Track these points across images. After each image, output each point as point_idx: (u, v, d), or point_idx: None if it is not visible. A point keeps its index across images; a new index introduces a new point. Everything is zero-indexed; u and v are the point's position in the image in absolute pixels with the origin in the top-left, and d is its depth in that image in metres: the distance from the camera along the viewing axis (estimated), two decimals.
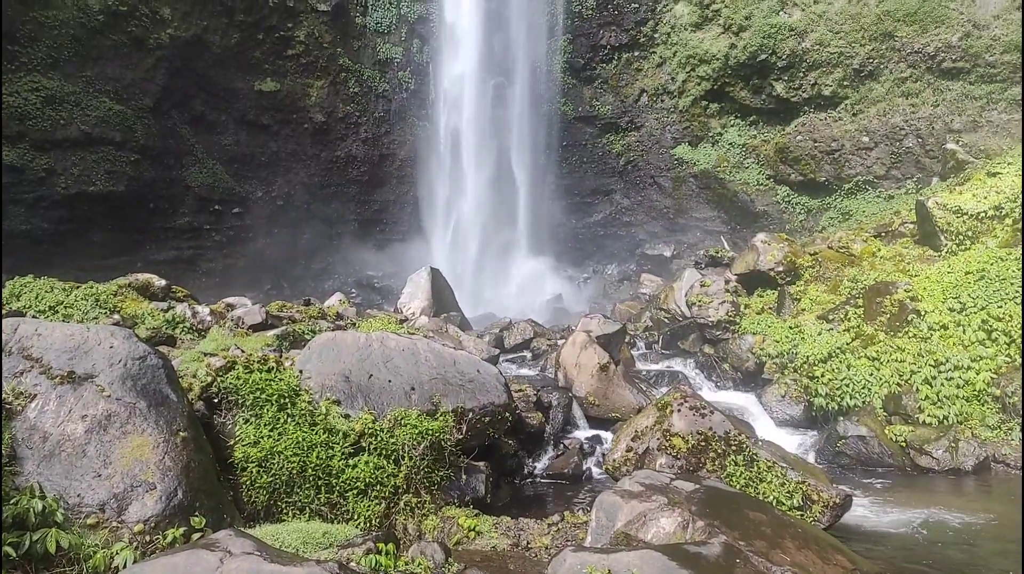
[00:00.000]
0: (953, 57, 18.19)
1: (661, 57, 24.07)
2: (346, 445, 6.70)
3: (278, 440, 6.48)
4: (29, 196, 18.03)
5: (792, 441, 10.34)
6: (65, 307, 10.31)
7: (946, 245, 12.62)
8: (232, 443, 6.47)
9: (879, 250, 13.83)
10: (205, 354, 7.71)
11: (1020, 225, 11.84)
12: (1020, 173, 13.48)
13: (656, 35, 24.02)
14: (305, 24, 23.58)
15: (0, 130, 17.05)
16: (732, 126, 22.92)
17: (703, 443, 7.32)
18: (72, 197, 18.73)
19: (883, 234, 14.58)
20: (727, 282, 14.91)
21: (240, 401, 6.75)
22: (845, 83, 20.05)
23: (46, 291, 10.63)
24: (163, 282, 12.65)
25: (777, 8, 20.95)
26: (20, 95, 17.61)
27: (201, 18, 21.14)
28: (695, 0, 22.69)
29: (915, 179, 18.52)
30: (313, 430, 6.67)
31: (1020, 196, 12.30)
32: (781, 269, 14.07)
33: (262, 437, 6.47)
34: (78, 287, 11.09)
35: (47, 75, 18.15)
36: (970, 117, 17.68)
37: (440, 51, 25.84)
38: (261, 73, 23.10)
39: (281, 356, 8.18)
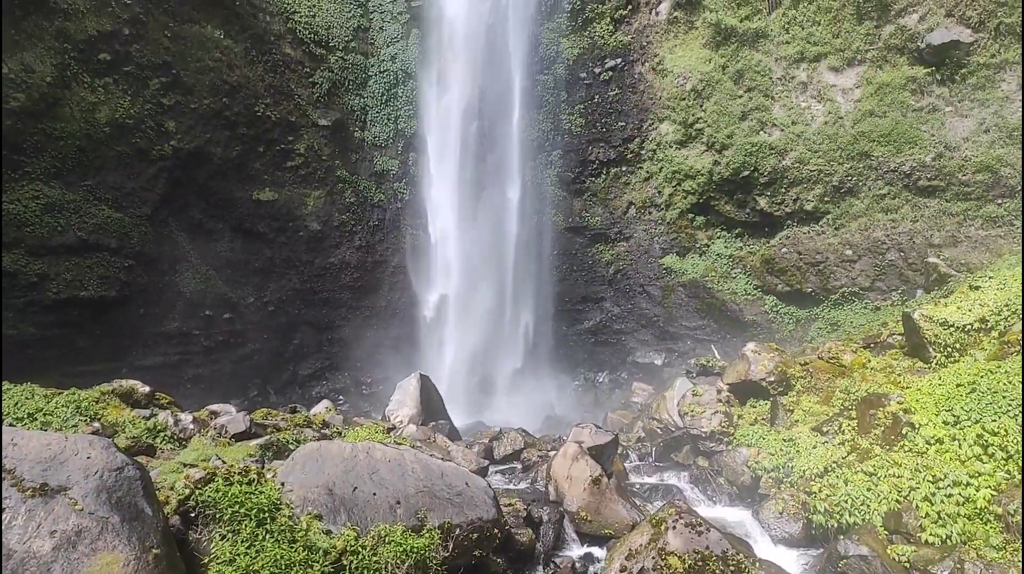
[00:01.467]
0: (928, 176, 18.99)
1: (648, 172, 24.97)
2: (326, 563, 6.39)
3: (255, 558, 6.16)
4: (19, 301, 18.00)
5: (791, 560, 9.93)
6: (44, 415, 10.05)
7: (935, 357, 12.68)
8: (207, 561, 6.15)
9: (869, 361, 13.86)
10: (185, 465, 7.47)
11: (1006, 338, 11.95)
12: (1001, 287, 13.77)
13: (643, 151, 25.03)
14: (305, 138, 24.53)
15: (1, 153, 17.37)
16: (719, 238, 23.49)
17: (700, 563, 7.02)
18: (63, 302, 18.72)
19: (872, 345, 14.66)
20: (719, 392, 14.81)
21: (218, 516, 6.47)
22: (826, 199, 20.78)
23: (26, 398, 10.40)
24: (147, 389, 12.45)
25: (757, 128, 22.00)
26: (20, 202, 17.94)
27: (205, 131, 21.96)
28: (679, 120, 23.74)
29: (900, 291, 18.86)
30: (292, 547, 6.36)
31: (1004, 310, 12.49)
32: (773, 379, 14.03)
33: (238, 554, 6.16)
34: (60, 394, 10.87)
35: (49, 184, 18.58)
36: (949, 232, 18.26)
37: (435, 164, 26.79)
38: (260, 183, 23.76)
39: (263, 467, 7.95)
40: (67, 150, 18.88)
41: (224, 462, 7.66)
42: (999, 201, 17.89)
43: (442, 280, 26.19)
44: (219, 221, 23.04)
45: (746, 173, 22.04)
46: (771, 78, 22.06)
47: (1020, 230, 17.16)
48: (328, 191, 25.31)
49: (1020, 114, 17.72)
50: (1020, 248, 16.25)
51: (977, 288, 14.19)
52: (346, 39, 25.85)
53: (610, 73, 25.65)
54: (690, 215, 23.97)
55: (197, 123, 21.76)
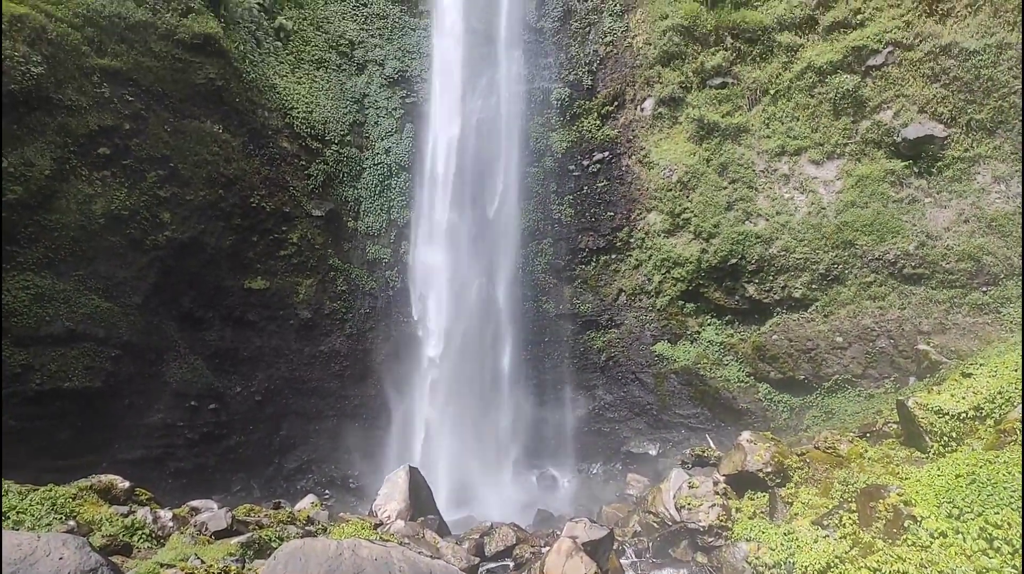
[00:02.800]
0: (912, 264, 19.32)
1: (637, 260, 25.30)
2: None
3: None
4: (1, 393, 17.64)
5: None
6: (18, 513, 9.67)
7: (932, 446, 12.51)
8: None
9: (866, 451, 13.65)
10: (162, 565, 7.14)
11: (1002, 426, 11.84)
12: (992, 374, 13.76)
13: (632, 240, 25.45)
14: (299, 227, 24.85)
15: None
16: (709, 325, 23.57)
17: None
18: (45, 394, 18.34)
19: (868, 434, 14.48)
20: (716, 483, 14.47)
21: None
22: (814, 286, 21.02)
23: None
24: (127, 484, 12.07)
25: (743, 218, 22.49)
26: (10, 292, 17.86)
27: (199, 222, 22.23)
28: (666, 210, 24.27)
29: (892, 378, 18.81)
30: None
31: (997, 397, 12.43)
32: (770, 470, 13.74)
33: None
34: (36, 490, 10.49)
35: (40, 274, 18.58)
36: (937, 319, 18.42)
37: (426, 252, 27.08)
38: (252, 272, 23.86)
39: (244, 567, 7.60)
40: (61, 241, 19.00)
41: (203, 562, 7.33)
42: (984, 289, 18.15)
43: (434, 370, 25.96)
44: (209, 310, 22.98)
45: (734, 261, 22.36)
46: (754, 170, 22.76)
47: (1007, 318, 17.33)
48: (320, 279, 25.43)
49: (997, 205, 18.25)
50: (1008, 336, 16.37)
51: (969, 375, 14.17)
52: (342, 133, 26.65)
53: (598, 165, 26.42)
54: (680, 302, 24.12)
55: (192, 214, 22.05)
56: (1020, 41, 18.27)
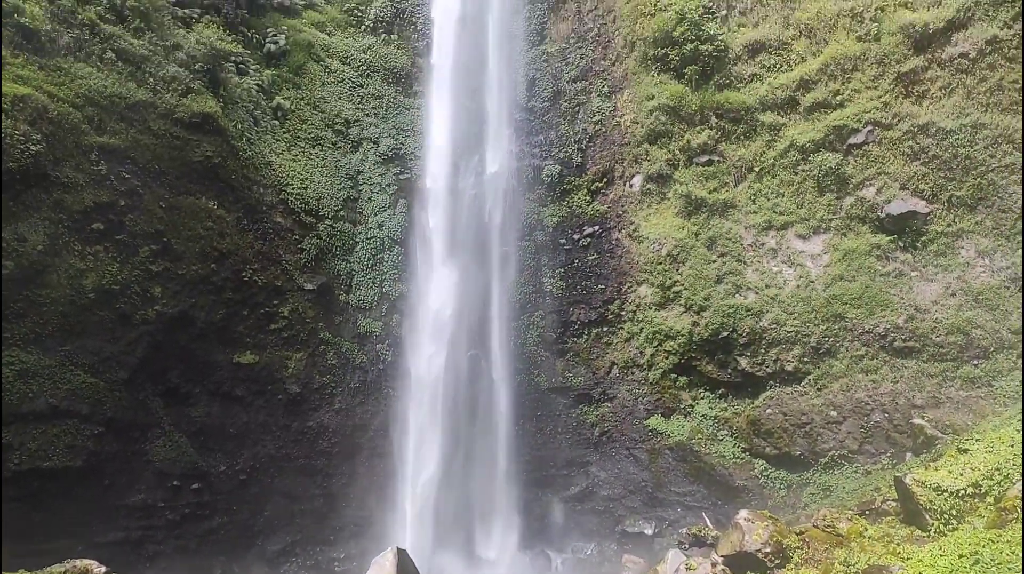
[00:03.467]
0: (903, 337, 19.35)
1: (629, 332, 25.28)
2: None
3: None
4: None
5: None
6: None
7: (932, 524, 12.23)
8: None
9: (866, 529, 13.30)
10: None
11: (1002, 504, 11.60)
12: (989, 449, 13.62)
13: (623, 313, 25.51)
14: (290, 301, 24.83)
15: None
16: (703, 398, 23.35)
17: None
18: (23, 474, 17.81)
19: (867, 512, 14.17)
20: (714, 565, 13.99)
21: None
22: (806, 359, 20.97)
23: None
24: (102, 569, 11.64)
25: (733, 291, 22.64)
26: None
27: (191, 296, 22.19)
28: (657, 283, 24.42)
29: (889, 454, 18.53)
30: None
31: (995, 474, 12.24)
32: (769, 550, 13.32)
33: None
34: None
35: (27, 349, 18.36)
36: (930, 393, 18.32)
37: (418, 327, 27.04)
38: (242, 346, 23.66)
39: None
40: (50, 315, 18.86)
41: None
42: (975, 362, 18.14)
43: (425, 446, 25.48)
44: (197, 385, 22.63)
45: (725, 334, 22.36)
46: (742, 244, 23.07)
47: (1000, 392, 17.26)
48: (310, 353, 25.22)
49: (982, 279, 18.47)
50: (1002, 410, 16.27)
51: (966, 451, 14.00)
52: (335, 208, 27.00)
53: (589, 239, 26.76)
54: (673, 375, 23.95)
55: (184, 288, 22.03)
56: (994, 121, 18.91)
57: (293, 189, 25.86)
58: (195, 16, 25.51)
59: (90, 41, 21.47)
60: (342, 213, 27.21)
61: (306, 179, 26.49)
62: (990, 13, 19.55)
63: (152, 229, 21.37)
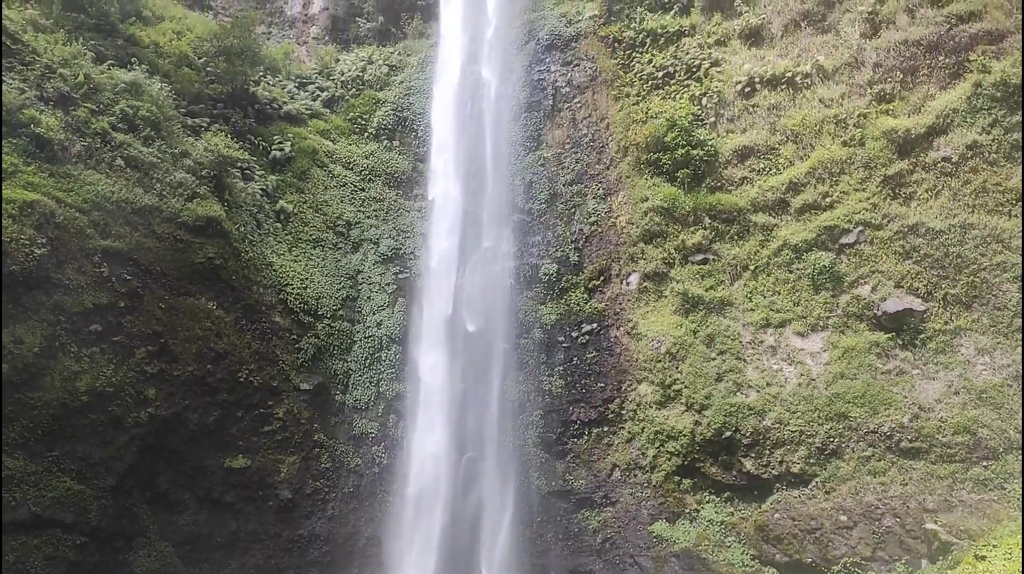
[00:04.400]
0: (909, 438, 18.99)
1: (630, 432, 24.80)
2: None
3: None
4: None
5: None
6: None
7: None
8: None
9: None
10: None
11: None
12: (1007, 556, 13.11)
13: (624, 412, 25.11)
14: (286, 402, 24.50)
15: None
16: (708, 502, 22.62)
17: None
18: None
19: None
20: None
21: None
22: (811, 461, 20.48)
23: None
24: None
25: (734, 389, 22.40)
26: None
27: (184, 398, 21.91)
28: (657, 381, 24.18)
29: (903, 561, 17.74)
30: None
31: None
32: None
33: None
34: None
35: (13, 455, 17.89)
36: (941, 496, 17.78)
37: (415, 426, 26.60)
38: (234, 449, 23.13)
39: None
40: (40, 419, 18.52)
41: None
42: (984, 463, 17.72)
43: (420, 556, 24.48)
44: (186, 491, 21.95)
45: (728, 434, 21.93)
46: (741, 342, 23.03)
47: (1012, 495, 16.77)
48: (303, 456, 24.62)
49: (984, 377, 18.34)
50: (1016, 514, 15.75)
51: (983, 558, 13.50)
52: (334, 308, 27.13)
53: (587, 337, 26.71)
54: (676, 478, 23.29)
55: (178, 390, 21.78)
56: (982, 222, 19.35)
57: (293, 289, 26.07)
58: (204, 125, 26.55)
59: (101, 149, 22.21)
60: (341, 312, 27.33)
61: (306, 279, 26.77)
62: (968, 120, 20.39)
63: (150, 330, 21.36)
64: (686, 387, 23.28)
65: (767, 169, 24.92)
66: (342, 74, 35.59)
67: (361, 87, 35.02)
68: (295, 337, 25.64)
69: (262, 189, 27.37)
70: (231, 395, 23.18)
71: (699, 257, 25.08)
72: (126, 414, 20.44)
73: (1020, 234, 18.81)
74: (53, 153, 20.91)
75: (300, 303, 26.09)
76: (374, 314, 27.98)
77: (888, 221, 21.19)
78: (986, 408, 18.12)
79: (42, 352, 18.85)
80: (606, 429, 25.52)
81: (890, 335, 20.26)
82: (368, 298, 28.29)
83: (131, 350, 20.85)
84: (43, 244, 19.17)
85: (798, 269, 22.64)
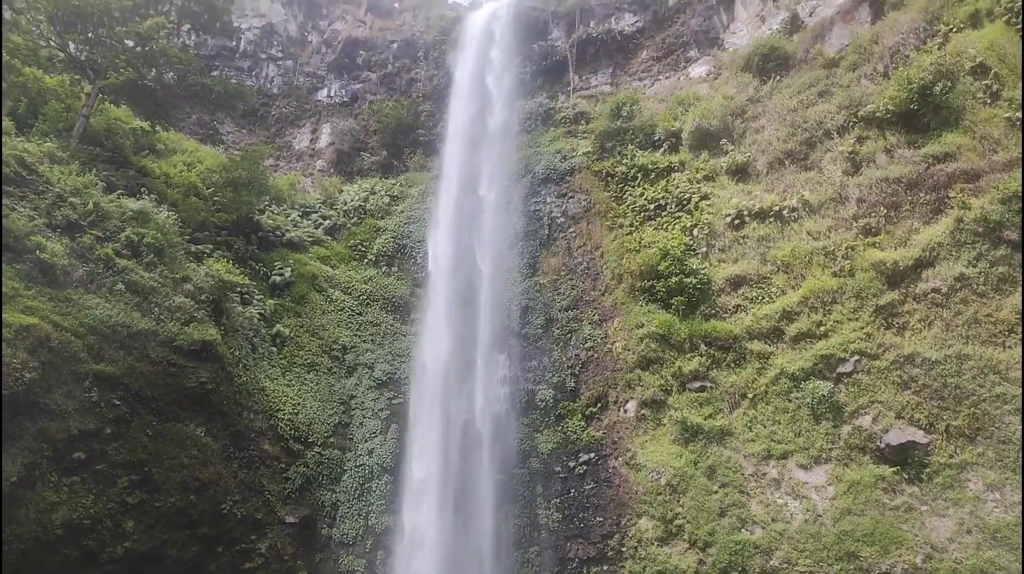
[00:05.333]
0: None
1: (631, 572, 23.53)
2: None
3: None
4: None
5: None
6: None
7: None
8: None
9: None
10: None
11: None
12: None
13: (624, 549, 23.94)
14: (269, 536, 23.37)
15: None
16: None
17: None
18: None
19: None
20: None
21: None
22: None
23: None
24: None
25: (738, 525, 21.52)
26: None
27: (164, 532, 20.87)
28: (658, 515, 23.26)
29: None
30: None
31: None
32: None
33: None
34: None
35: None
36: None
37: (404, 561, 25.30)
38: None
39: None
40: (10, 556, 17.50)
41: None
42: None
43: None
44: None
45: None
46: (743, 474, 22.38)
47: None
48: None
49: (996, 515, 17.67)
50: None
51: None
52: (325, 434, 26.54)
53: (585, 467, 25.96)
54: None
55: (158, 522, 20.79)
56: (977, 352, 19.39)
57: (284, 414, 25.60)
58: (207, 251, 27.11)
59: (103, 274, 22.48)
60: (332, 439, 26.70)
61: (298, 404, 26.35)
62: (953, 253, 20.93)
63: (135, 458, 20.69)
64: (688, 522, 22.37)
65: (760, 297, 25.28)
66: (345, 204, 36.86)
67: (363, 216, 36.15)
68: (283, 465, 24.87)
69: (260, 313, 27.53)
70: (213, 528, 22.12)
71: (696, 384, 24.89)
72: (101, 549, 19.38)
73: (1019, 365, 18.77)
74: (55, 278, 21.12)
75: (291, 429, 25.53)
76: (366, 441, 27.33)
77: (884, 351, 21.22)
78: (1001, 549, 17.31)
79: (20, 482, 18.11)
80: (606, 568, 24.22)
81: (895, 469, 19.71)
82: (360, 424, 27.75)
83: (113, 479, 20.08)
84: (35, 368, 18.93)
85: (797, 398, 22.40)
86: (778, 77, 31.86)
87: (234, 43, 46.09)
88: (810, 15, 34.39)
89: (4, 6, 26.24)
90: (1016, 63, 22.65)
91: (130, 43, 27.90)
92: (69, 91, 28.10)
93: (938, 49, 24.85)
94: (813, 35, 32.54)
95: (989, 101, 22.91)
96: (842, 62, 29.11)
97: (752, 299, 25.48)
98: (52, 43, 27.84)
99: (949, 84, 23.19)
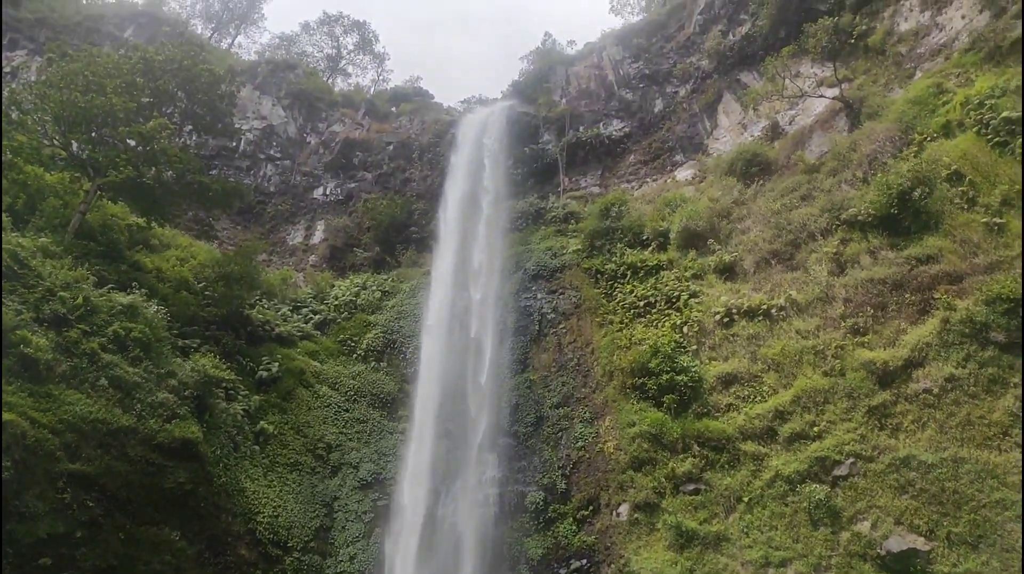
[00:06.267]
0: None
1: None
2: None
3: None
4: None
5: None
6: None
7: None
8: None
9: None
10: None
11: None
12: None
13: None
14: None
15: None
16: None
17: None
18: None
19: None
20: None
21: None
22: None
23: None
24: None
25: None
26: None
27: None
28: None
29: None
30: None
31: None
32: None
33: None
34: None
35: None
36: None
37: None
38: None
39: None
40: None
41: None
42: None
43: None
44: None
45: None
46: None
47: None
48: None
49: None
50: None
51: None
52: (306, 539, 25.48)
53: None
54: None
55: None
56: (973, 456, 19.08)
57: (263, 517, 24.63)
58: (195, 346, 26.88)
59: (87, 369, 22.13)
60: (312, 544, 25.59)
61: (279, 506, 25.40)
62: (942, 354, 20.95)
63: (105, 564, 19.64)
64: None
65: (752, 396, 25.06)
66: (336, 298, 37.00)
67: (353, 311, 36.21)
68: (260, 572, 23.67)
69: (244, 409, 26.99)
70: None
71: (691, 487, 24.23)
72: None
73: (1018, 469, 18.44)
74: (37, 372, 20.75)
75: (270, 533, 24.49)
76: (348, 546, 26.19)
77: (879, 453, 20.84)
78: None
79: None
80: None
81: None
82: (343, 528, 26.67)
83: None
84: (8, 468, 18.26)
85: (794, 502, 21.77)
86: (761, 181, 32.96)
87: (234, 143, 47.48)
88: (789, 123, 35.99)
89: (12, 107, 27.10)
90: (989, 171, 23.56)
91: (132, 142, 28.64)
92: (68, 188, 28.61)
93: (914, 157, 25.85)
94: (793, 142, 33.98)
95: (966, 207, 23.63)
96: (822, 167, 30.22)
97: (744, 398, 25.26)
98: (56, 142, 28.55)
99: (927, 190, 23.97)
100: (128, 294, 25.55)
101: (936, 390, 20.60)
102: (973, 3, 29.11)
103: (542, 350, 32.25)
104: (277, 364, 29.71)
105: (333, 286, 38.27)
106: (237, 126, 41.08)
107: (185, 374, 24.57)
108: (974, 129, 24.96)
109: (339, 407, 30.42)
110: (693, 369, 26.47)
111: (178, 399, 23.80)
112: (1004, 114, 23.98)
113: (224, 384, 26.65)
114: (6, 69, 44.04)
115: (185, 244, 34.00)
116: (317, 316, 35.68)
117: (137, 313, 24.74)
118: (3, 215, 23.39)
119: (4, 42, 45.30)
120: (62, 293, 22.92)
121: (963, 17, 29.53)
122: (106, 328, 23.53)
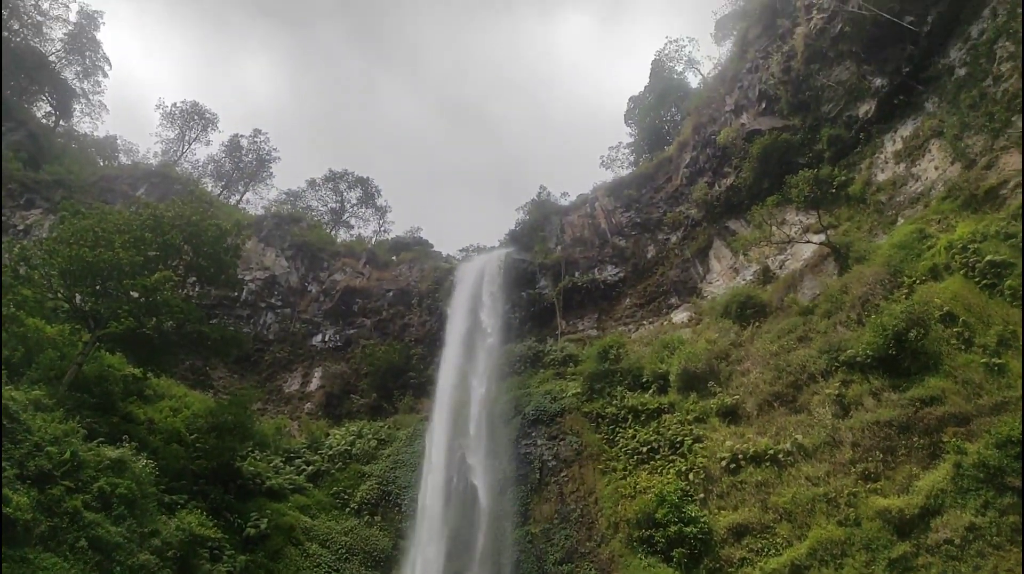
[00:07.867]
0: None
1: None
2: None
3: None
4: None
5: None
6: None
7: None
8: None
9: None
10: None
11: None
12: None
13: None
14: None
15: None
16: None
17: None
18: None
19: None
20: None
21: None
22: None
23: None
24: None
25: None
26: None
27: None
28: None
29: None
30: None
31: None
32: None
33: None
34: None
35: None
36: None
37: None
38: None
39: None
40: None
41: None
42: None
43: None
44: None
45: None
46: None
47: None
48: None
49: None
50: None
51: None
52: None
53: None
54: None
55: None
56: None
57: None
58: (182, 502, 25.78)
59: (67, 529, 21.03)
60: None
61: None
62: (959, 501, 20.05)
63: None
64: None
65: (765, 549, 23.74)
66: (330, 448, 36.05)
67: (348, 461, 35.17)
68: None
69: (229, 571, 25.39)
70: None
71: None
72: None
73: None
74: (15, 534, 19.67)
75: None
76: None
77: None
78: None
79: None
80: None
81: None
82: None
83: None
84: None
85: None
86: (756, 323, 33.24)
87: (236, 293, 48.24)
88: (780, 267, 36.90)
89: (21, 263, 27.72)
90: (981, 312, 23.85)
91: (135, 294, 28.98)
92: (68, 340, 28.59)
93: (905, 298, 26.21)
94: (785, 285, 34.66)
95: (964, 347, 23.64)
96: (816, 310, 30.59)
97: (757, 551, 23.92)
98: (59, 295, 28.89)
99: (922, 331, 24.07)
100: (118, 447, 24.82)
101: (958, 540, 19.54)
102: (944, 155, 30.79)
103: (544, 500, 30.98)
104: (266, 521, 28.29)
105: (328, 435, 37.35)
106: (240, 276, 41.90)
107: (170, 533, 23.37)
108: (961, 272, 25.52)
109: (329, 567, 28.65)
110: (702, 519, 25.30)
111: (160, 561, 22.47)
112: (988, 258, 24.66)
113: (209, 543, 25.22)
114: (19, 227, 45.56)
115: (179, 394, 33.53)
116: (310, 467, 34.53)
117: (125, 468, 23.94)
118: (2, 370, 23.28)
119: (21, 202, 47.24)
120: (50, 448, 22.28)
121: (936, 168, 31.13)
122: (92, 484, 22.66)
